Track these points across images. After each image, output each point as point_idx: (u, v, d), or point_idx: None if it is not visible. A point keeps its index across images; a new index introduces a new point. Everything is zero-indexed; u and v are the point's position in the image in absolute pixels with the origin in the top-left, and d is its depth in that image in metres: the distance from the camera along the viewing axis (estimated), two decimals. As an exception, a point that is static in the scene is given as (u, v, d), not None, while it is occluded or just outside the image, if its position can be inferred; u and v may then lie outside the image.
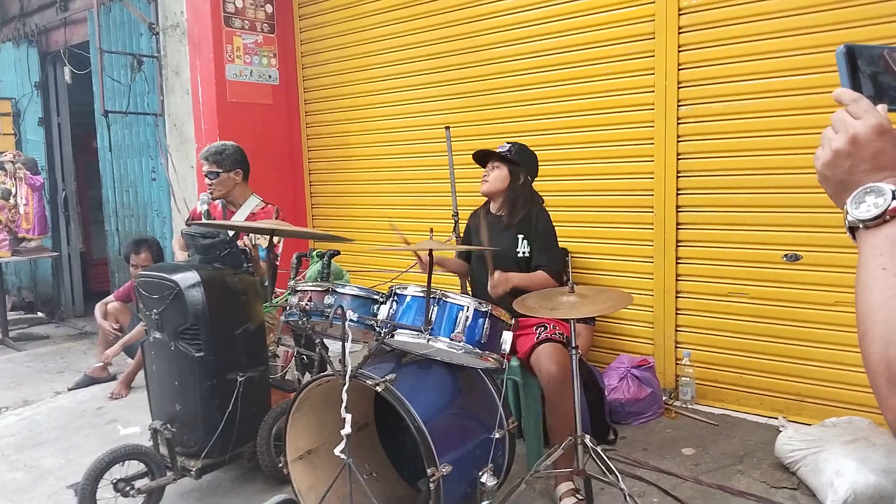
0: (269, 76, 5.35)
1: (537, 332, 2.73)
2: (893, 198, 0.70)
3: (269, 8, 5.32)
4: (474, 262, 3.10)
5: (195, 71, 5.16)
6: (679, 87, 3.49)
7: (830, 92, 0.79)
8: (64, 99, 6.94)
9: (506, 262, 2.86)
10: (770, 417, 3.33)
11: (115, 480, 2.57)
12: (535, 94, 4.07)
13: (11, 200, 5.84)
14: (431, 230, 2.23)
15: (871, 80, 0.78)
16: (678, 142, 3.52)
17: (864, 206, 0.73)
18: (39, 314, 6.99)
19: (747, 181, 3.35)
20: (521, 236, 2.93)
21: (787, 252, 3.27)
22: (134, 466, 2.66)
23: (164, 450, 2.71)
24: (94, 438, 3.54)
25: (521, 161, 3.01)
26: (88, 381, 4.44)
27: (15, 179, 5.90)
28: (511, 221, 2.95)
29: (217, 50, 5.03)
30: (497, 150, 3.02)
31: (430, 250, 2.32)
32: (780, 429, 2.93)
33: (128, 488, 2.58)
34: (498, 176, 2.99)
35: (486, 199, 3.12)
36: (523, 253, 2.93)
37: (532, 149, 3.11)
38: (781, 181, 3.23)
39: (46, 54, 6.82)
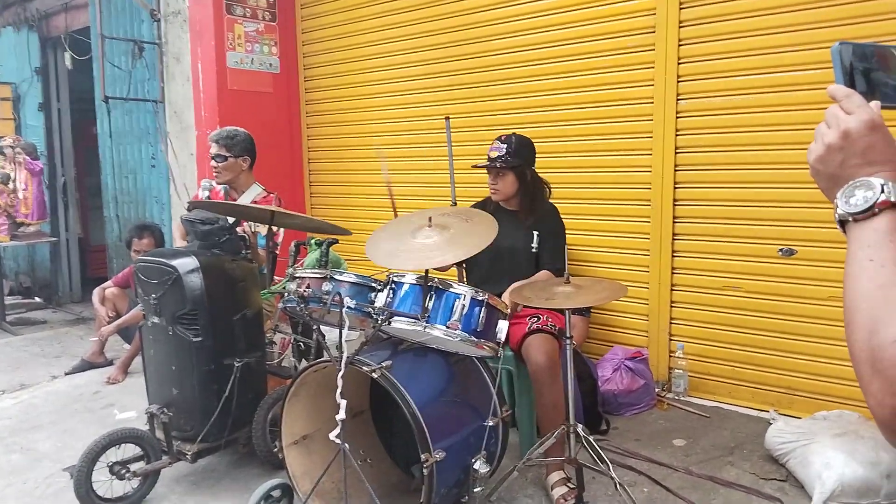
0: (270, 64, 5.35)
1: (529, 322, 2.75)
2: (882, 191, 0.72)
3: (270, -4, 5.31)
4: (487, 262, 3.06)
5: (196, 58, 5.16)
6: (679, 82, 3.50)
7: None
8: (64, 84, 6.92)
9: (522, 257, 3.01)
10: (761, 410, 3.36)
11: (110, 463, 2.60)
12: (535, 85, 4.07)
13: (10, 185, 5.84)
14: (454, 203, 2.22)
15: (865, 76, 0.79)
16: (677, 136, 3.54)
17: (854, 200, 0.74)
18: (37, 299, 6.99)
19: (744, 176, 3.37)
20: (535, 233, 3.05)
21: (782, 247, 3.29)
22: (130, 450, 2.69)
23: (160, 434, 2.74)
24: (90, 422, 3.56)
25: (522, 159, 3.04)
26: (85, 366, 4.46)
27: (14, 164, 5.90)
28: (527, 219, 3.06)
29: (218, 37, 5.02)
30: (495, 161, 3.01)
31: (427, 271, 2.33)
32: (771, 421, 2.96)
33: (123, 471, 2.61)
34: (507, 182, 3.06)
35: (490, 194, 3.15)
36: (535, 248, 3.05)
37: (529, 139, 3.13)
38: (778, 176, 3.25)
39: (47, 39, 6.80)
